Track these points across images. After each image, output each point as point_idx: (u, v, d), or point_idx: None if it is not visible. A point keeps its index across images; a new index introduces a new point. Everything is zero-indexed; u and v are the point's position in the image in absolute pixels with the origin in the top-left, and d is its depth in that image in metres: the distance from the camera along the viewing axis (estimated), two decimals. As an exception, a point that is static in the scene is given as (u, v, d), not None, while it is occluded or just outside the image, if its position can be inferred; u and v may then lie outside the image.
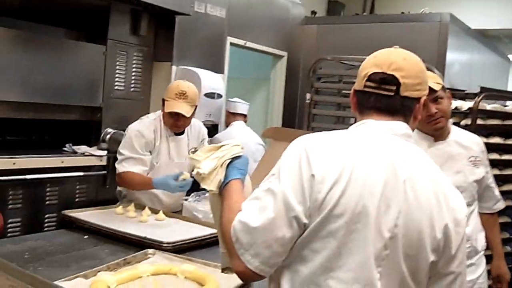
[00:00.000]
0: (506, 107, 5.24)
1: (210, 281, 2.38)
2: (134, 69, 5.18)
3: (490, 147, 3.74)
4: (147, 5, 4.84)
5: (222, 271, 1.93)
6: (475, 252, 3.16)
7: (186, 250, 2.98)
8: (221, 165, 1.89)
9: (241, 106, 5.95)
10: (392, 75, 1.74)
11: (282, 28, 7.76)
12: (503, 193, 3.72)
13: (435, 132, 3.04)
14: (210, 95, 5.45)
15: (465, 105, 4.83)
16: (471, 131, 3.33)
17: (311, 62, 6.47)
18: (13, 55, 4.18)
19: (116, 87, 5.00)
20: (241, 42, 6.89)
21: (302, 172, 1.65)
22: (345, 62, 6.65)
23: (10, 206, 4.01)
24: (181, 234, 3.15)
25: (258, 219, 1.63)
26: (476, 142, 3.18)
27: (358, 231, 1.62)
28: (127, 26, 5.09)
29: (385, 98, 1.76)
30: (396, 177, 1.66)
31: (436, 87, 2.88)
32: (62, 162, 4.36)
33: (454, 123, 3.67)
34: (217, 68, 5.91)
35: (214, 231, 3.04)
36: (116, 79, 5.00)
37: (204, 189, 1.92)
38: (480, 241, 3.20)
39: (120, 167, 3.78)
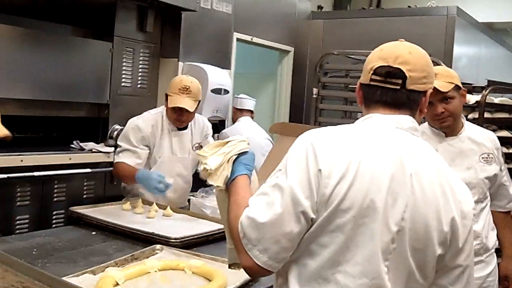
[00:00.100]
0: (514, 100, 5.22)
1: (218, 276, 2.38)
2: (141, 66, 5.18)
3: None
4: (153, 1, 4.85)
5: (229, 267, 1.93)
6: (485, 249, 3.09)
7: (193, 245, 2.99)
8: (228, 161, 1.88)
9: (248, 102, 5.96)
10: (398, 69, 1.74)
11: (288, 23, 7.74)
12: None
13: (446, 129, 3.01)
14: (217, 91, 5.44)
15: (472, 98, 4.81)
16: (478, 125, 3.30)
17: (317, 57, 6.48)
18: (20, 53, 4.18)
19: (123, 84, 5.00)
20: (247, 37, 6.89)
21: (309, 167, 1.65)
22: (351, 56, 6.64)
23: (18, 203, 4.01)
24: (189, 230, 3.16)
25: (266, 214, 1.63)
26: (490, 139, 3.11)
27: (366, 225, 1.62)
28: (133, 23, 5.09)
29: (391, 92, 1.76)
30: (403, 170, 1.66)
31: (444, 88, 2.84)
32: (70, 159, 4.37)
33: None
34: (224, 63, 5.91)
35: (221, 226, 3.04)
36: (123, 76, 5.00)
37: (211, 185, 1.92)
38: (491, 239, 3.13)
39: (116, 158, 3.86)
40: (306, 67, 7.87)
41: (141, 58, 5.17)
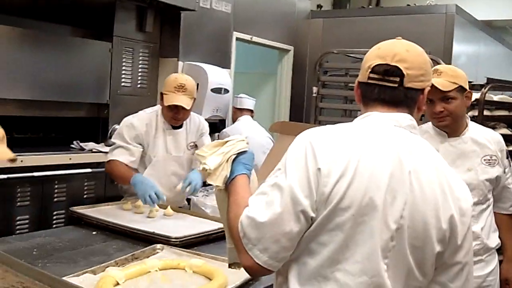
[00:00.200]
0: (513, 98, 5.22)
1: (218, 275, 2.38)
2: (140, 66, 5.19)
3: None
4: (153, 1, 4.86)
5: (229, 267, 1.94)
6: (486, 250, 3.05)
7: (194, 245, 2.99)
8: (227, 161, 1.88)
9: (247, 102, 5.96)
10: (396, 67, 1.74)
11: (288, 22, 7.75)
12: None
13: (444, 128, 2.99)
14: (217, 90, 5.45)
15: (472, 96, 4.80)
16: (478, 123, 3.27)
17: (317, 56, 6.49)
18: (20, 54, 4.19)
19: (122, 84, 5.01)
20: (247, 37, 6.89)
21: (308, 166, 1.65)
22: (351, 55, 6.65)
23: (18, 204, 4.03)
24: (189, 229, 3.16)
25: (266, 214, 1.63)
26: (495, 141, 3.05)
27: (365, 224, 1.62)
28: (132, 23, 5.10)
29: (389, 90, 1.76)
30: (401, 168, 1.66)
31: (445, 87, 2.81)
32: (70, 159, 4.38)
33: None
34: (224, 63, 5.92)
35: (222, 225, 3.04)
36: (123, 76, 5.01)
37: (211, 185, 1.92)
38: (493, 240, 3.09)
39: (109, 155, 3.81)
40: (306, 66, 7.88)
41: (140, 58, 5.18)
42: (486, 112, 4.78)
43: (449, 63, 6.22)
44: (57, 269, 2.45)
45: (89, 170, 4.50)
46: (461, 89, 2.89)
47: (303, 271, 1.68)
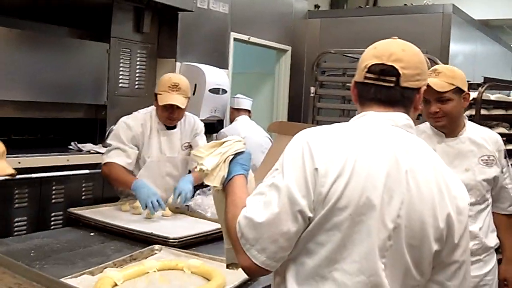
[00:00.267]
0: (510, 97, 5.23)
1: (217, 275, 2.38)
2: (138, 67, 5.19)
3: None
4: (150, 2, 4.86)
5: (227, 267, 1.94)
6: (484, 249, 3.03)
7: (192, 245, 2.99)
8: (224, 161, 1.89)
9: (244, 102, 5.96)
10: (392, 66, 1.74)
11: (285, 22, 7.75)
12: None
13: (441, 128, 2.98)
14: (214, 91, 5.45)
15: (469, 96, 4.81)
16: (475, 122, 3.27)
17: (315, 56, 6.49)
18: (17, 55, 4.19)
19: (120, 85, 5.01)
20: (244, 37, 6.89)
21: (305, 166, 1.66)
22: (348, 55, 6.65)
23: (16, 205, 4.02)
24: (187, 230, 3.16)
25: (263, 214, 1.64)
26: (493, 141, 3.04)
27: (362, 223, 1.62)
28: (130, 24, 5.10)
29: (385, 89, 1.77)
30: (398, 168, 1.66)
31: (441, 88, 2.80)
32: (68, 160, 4.37)
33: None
34: (221, 63, 5.92)
35: (220, 226, 3.04)
36: (120, 77, 5.01)
37: (208, 186, 1.92)
38: (491, 240, 3.07)
39: (105, 157, 3.75)
40: (304, 66, 7.88)
41: (138, 59, 5.18)
42: (483, 111, 4.79)
43: (446, 63, 6.23)
44: (55, 271, 2.46)
45: (87, 171, 4.49)
46: (458, 90, 2.88)
47: (301, 271, 1.69)
